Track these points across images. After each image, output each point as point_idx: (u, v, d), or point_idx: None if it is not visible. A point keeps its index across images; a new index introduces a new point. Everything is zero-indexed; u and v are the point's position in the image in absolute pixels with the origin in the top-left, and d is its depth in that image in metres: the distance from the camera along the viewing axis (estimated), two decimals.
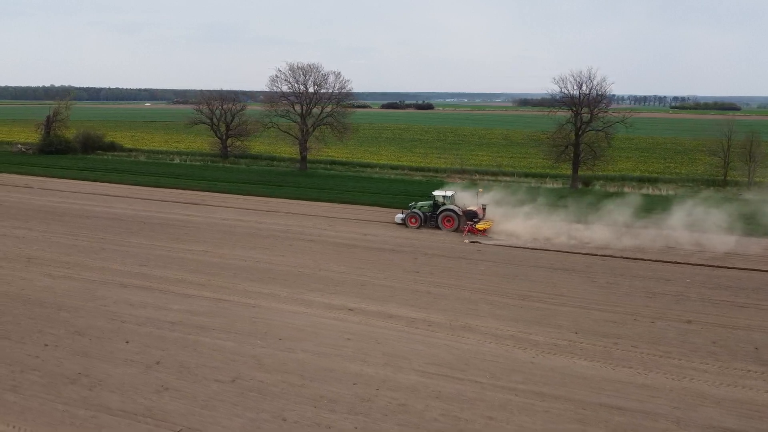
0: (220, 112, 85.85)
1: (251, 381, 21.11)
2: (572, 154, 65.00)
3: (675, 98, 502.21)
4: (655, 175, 73.63)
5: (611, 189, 64.56)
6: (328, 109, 74.94)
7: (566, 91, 65.13)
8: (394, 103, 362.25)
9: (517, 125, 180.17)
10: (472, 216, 44.57)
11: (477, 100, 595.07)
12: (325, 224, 46.61)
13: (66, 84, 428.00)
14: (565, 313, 28.33)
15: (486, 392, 20.65)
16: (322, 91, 74.36)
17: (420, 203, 47.37)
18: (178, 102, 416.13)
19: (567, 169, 71.89)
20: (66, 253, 36.53)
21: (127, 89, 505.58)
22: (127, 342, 24.05)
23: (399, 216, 46.93)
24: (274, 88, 74.87)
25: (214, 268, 34.11)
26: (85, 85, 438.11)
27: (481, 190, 47.55)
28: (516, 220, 44.50)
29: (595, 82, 64.73)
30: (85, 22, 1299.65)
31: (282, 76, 74.53)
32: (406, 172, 76.70)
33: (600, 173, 68.87)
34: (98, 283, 31.15)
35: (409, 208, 47.30)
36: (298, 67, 74.48)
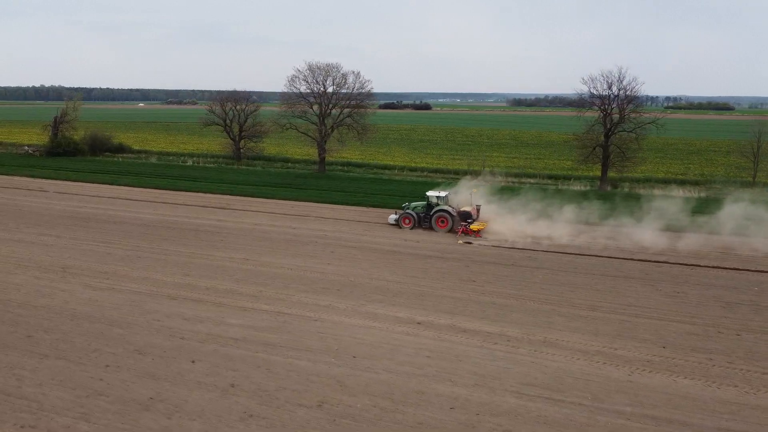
0: (233, 113, 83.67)
1: (339, 406, 19.57)
2: (601, 156, 63.68)
3: (667, 98, 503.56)
4: (680, 177, 72.47)
5: (641, 191, 63.25)
6: (347, 110, 73.01)
7: (595, 91, 63.86)
8: (392, 103, 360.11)
9: (520, 125, 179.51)
10: (466, 217, 43.52)
11: (470, 100, 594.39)
12: (360, 229, 45.07)
13: (56, 84, 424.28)
14: (644, 325, 26.98)
15: (595, 416, 19.21)
16: (342, 91, 72.48)
17: (414, 204, 46.41)
18: (171, 102, 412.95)
19: (588, 171, 70.72)
20: (102, 262, 34.75)
21: (118, 89, 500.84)
22: (193, 362, 22.43)
23: (393, 217, 45.83)
24: (293, 88, 72.82)
25: (261, 278, 32.50)
26: (75, 86, 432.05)
27: (475, 190, 46.38)
28: (556, 224, 43.23)
29: (624, 83, 63.50)
30: (74, 21, 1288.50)
31: (301, 75, 72.64)
32: (426, 174, 75.03)
33: (626, 175, 67.56)
34: (144, 294, 29.46)
35: (402, 208, 46.16)
36: (317, 67, 72.59)
